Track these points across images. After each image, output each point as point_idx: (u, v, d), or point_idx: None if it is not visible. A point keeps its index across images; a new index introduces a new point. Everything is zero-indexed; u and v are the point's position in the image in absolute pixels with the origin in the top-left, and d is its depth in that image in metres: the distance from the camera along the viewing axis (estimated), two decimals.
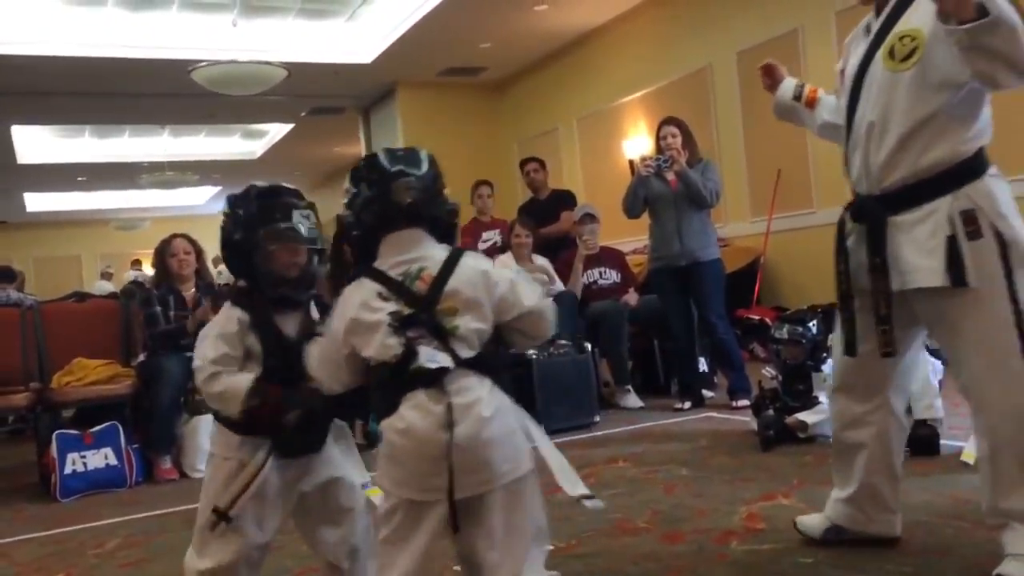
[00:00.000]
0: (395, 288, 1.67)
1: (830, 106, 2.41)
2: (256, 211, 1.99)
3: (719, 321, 4.92)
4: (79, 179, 15.34)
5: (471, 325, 1.66)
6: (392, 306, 1.66)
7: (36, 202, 17.25)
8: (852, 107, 2.15)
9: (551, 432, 4.56)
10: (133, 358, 4.79)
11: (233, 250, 2.00)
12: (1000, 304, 1.94)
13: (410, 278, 1.68)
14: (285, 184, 2.09)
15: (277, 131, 13.44)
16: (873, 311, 2.05)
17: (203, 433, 4.43)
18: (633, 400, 5.21)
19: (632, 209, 5.11)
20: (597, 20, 9.15)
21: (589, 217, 5.81)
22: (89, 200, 17.49)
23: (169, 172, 13.32)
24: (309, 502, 2.03)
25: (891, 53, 2.05)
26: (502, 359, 1.75)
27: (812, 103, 2.46)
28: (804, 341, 3.86)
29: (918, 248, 2.00)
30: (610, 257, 5.81)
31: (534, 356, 4.67)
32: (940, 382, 3.51)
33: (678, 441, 4.10)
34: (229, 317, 1.97)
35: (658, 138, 5.02)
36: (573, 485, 1.72)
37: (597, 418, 4.76)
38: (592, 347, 5.00)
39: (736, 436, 4.06)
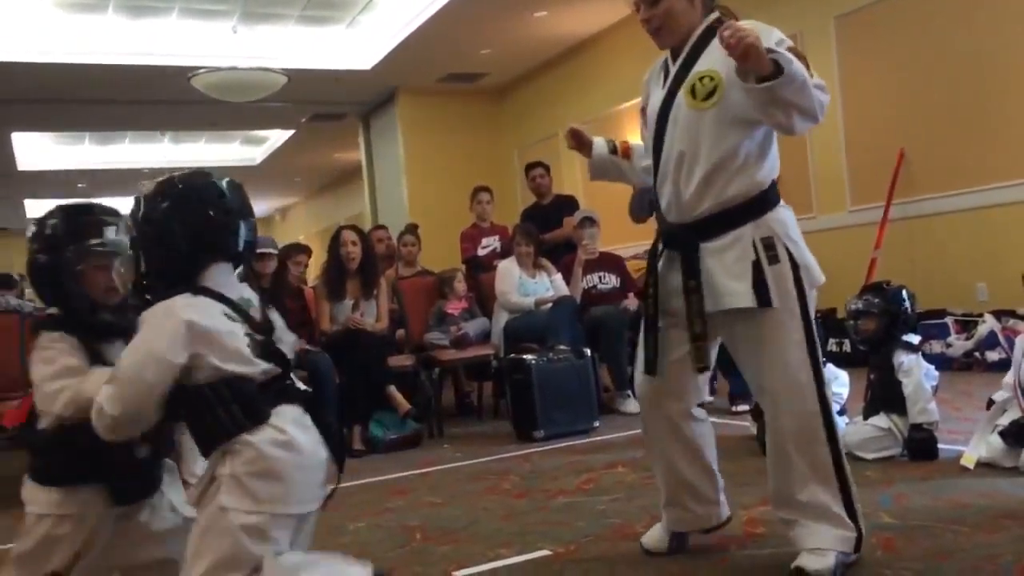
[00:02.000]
0: (239, 312, 1.70)
1: (640, 151, 2.58)
2: (63, 229, 1.85)
3: None
4: (79, 186, 15.36)
5: (288, 348, 1.79)
6: (242, 327, 1.68)
7: (37, 209, 17.26)
8: (659, 143, 2.31)
9: (551, 437, 4.59)
10: None
11: (41, 275, 1.85)
12: (794, 323, 2.16)
13: (247, 305, 1.72)
14: (100, 204, 1.95)
15: (277, 137, 13.47)
16: (688, 330, 2.22)
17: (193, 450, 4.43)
18: (633, 405, 5.19)
19: (638, 212, 5.13)
20: (596, 26, 9.16)
21: (589, 221, 5.81)
22: None
23: None
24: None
25: (693, 92, 2.21)
26: None
27: (627, 153, 2.64)
28: None
29: (728, 272, 2.18)
30: (610, 262, 5.81)
31: (533, 361, 4.67)
32: (934, 387, 3.50)
33: None
34: (59, 341, 1.81)
35: None
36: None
37: (597, 423, 4.75)
38: (592, 352, 4.99)
39: (735, 441, 4.05)
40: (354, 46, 9.41)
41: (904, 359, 3.46)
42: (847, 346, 5.73)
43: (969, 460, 3.13)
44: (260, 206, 20.09)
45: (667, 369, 2.36)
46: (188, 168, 1.83)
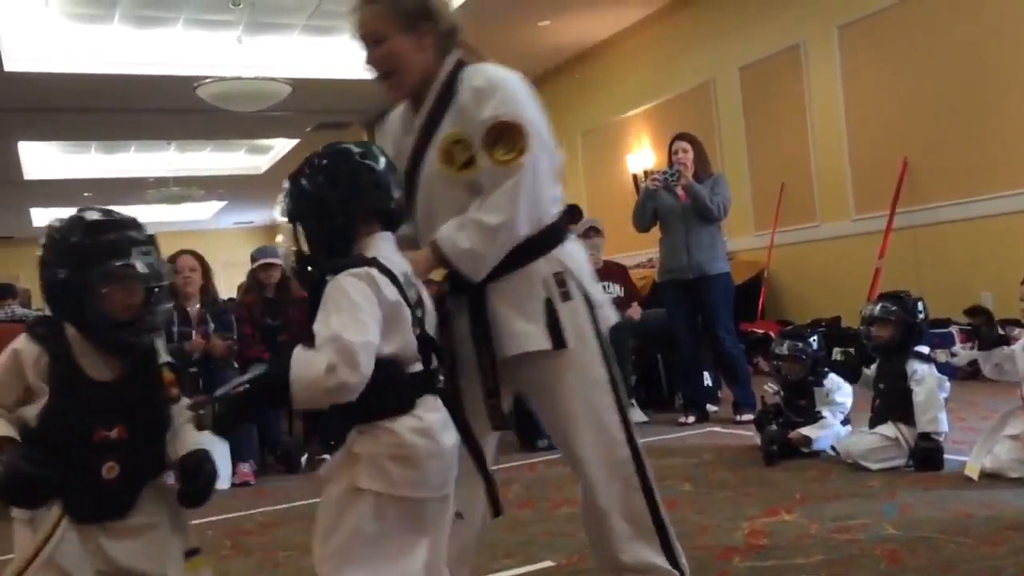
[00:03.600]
0: (401, 290, 1.63)
1: None
2: (88, 247, 1.73)
3: (727, 335, 4.92)
4: (85, 195, 15.39)
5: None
6: (405, 309, 1.63)
7: (43, 218, 17.32)
8: (412, 199, 2.01)
9: (555, 446, 4.57)
10: None
11: (58, 291, 1.73)
12: (595, 363, 1.96)
13: (407, 284, 1.66)
14: (121, 214, 1.79)
15: (282, 146, 13.51)
16: (481, 384, 1.95)
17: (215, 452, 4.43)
18: (636, 415, 5.18)
19: (641, 222, 5.15)
20: (600, 35, 9.19)
21: (593, 231, 5.81)
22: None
23: (175, 187, 13.39)
24: None
25: (449, 158, 1.96)
26: None
27: None
28: (804, 357, 3.85)
29: (519, 313, 1.94)
30: (613, 271, 5.81)
31: None
32: (945, 399, 3.49)
33: (681, 456, 4.09)
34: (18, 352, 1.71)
35: (670, 152, 5.07)
36: None
37: None
38: None
39: (739, 451, 4.05)
40: (359, 55, 9.41)
41: (918, 368, 3.45)
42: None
43: (972, 470, 3.12)
44: (264, 215, 20.16)
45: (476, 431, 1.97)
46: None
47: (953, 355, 5.60)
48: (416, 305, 1.67)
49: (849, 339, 4.54)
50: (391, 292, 1.59)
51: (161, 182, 13.60)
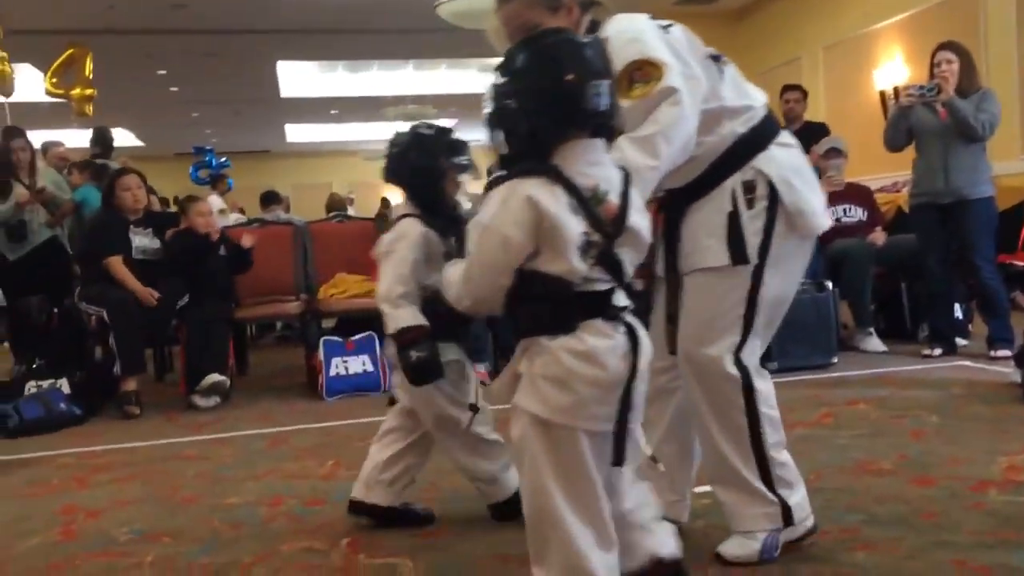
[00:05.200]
0: (584, 205, 1.52)
1: None
2: (444, 143, 2.36)
3: (985, 264, 4.54)
4: (332, 112, 16.52)
5: (631, 258, 1.60)
6: (581, 224, 1.52)
7: (295, 133, 18.80)
8: None
9: (785, 370, 4.49)
10: None
11: (416, 173, 2.36)
12: (744, 275, 1.96)
13: (595, 199, 1.54)
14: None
15: None
16: (665, 306, 2.08)
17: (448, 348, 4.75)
18: (875, 344, 4.96)
19: (893, 141, 4.80)
20: None
21: (835, 152, 5.51)
22: (340, 132, 18.81)
23: (411, 105, 14.03)
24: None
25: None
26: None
27: None
28: None
29: (705, 229, 1.98)
30: (857, 193, 5.50)
31: None
32: None
33: (926, 388, 3.89)
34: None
35: (932, 64, 4.64)
36: None
37: (835, 359, 4.60)
38: (832, 286, 4.80)
39: (994, 387, 3.79)
40: None
41: None
42: None
43: None
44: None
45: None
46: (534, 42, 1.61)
47: None
48: (609, 222, 1.54)
49: None
50: (557, 207, 1.49)
51: (399, 100, 14.30)
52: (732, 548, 2.03)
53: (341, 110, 16.31)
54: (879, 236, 5.25)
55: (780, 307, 2.06)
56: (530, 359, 1.57)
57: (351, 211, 13.51)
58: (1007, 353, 4.17)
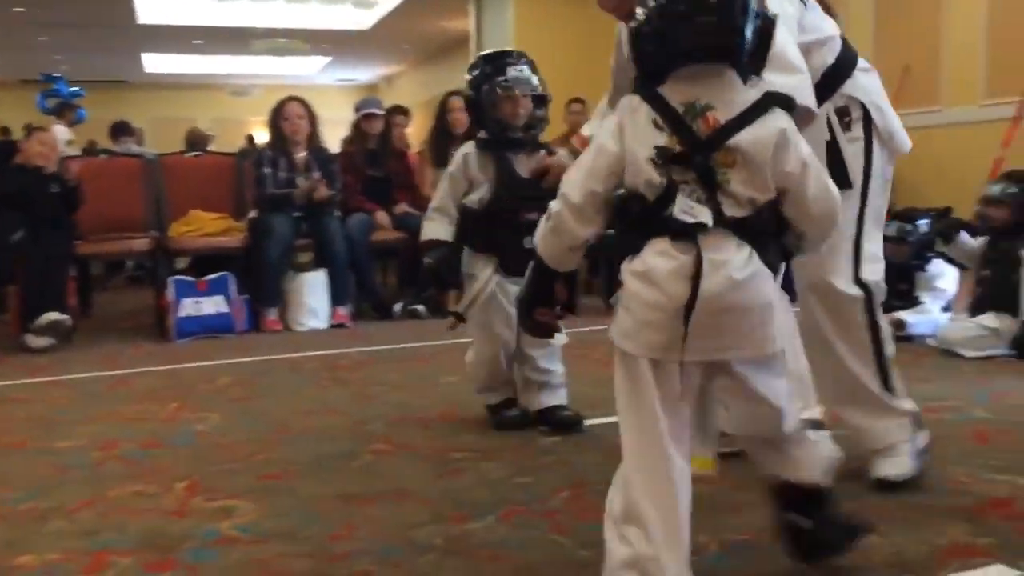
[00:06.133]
0: (671, 119, 1.46)
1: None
2: (480, 73, 2.58)
3: None
4: (195, 42, 15.64)
5: (743, 185, 1.45)
6: (661, 138, 1.46)
7: (154, 63, 17.73)
8: None
9: None
10: (244, 214, 4.99)
11: (473, 108, 2.65)
12: (855, 196, 2.02)
13: (692, 113, 1.46)
14: (507, 49, 2.66)
15: (389, 2, 13.33)
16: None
17: (308, 291, 4.65)
18: None
19: None
20: None
21: None
22: (204, 64, 17.87)
23: (281, 40, 13.46)
24: None
25: None
26: (774, 228, 1.50)
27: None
28: (911, 240, 3.73)
29: None
30: None
31: None
32: None
33: None
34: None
35: None
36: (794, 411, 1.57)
37: None
38: None
39: None
40: None
41: None
42: None
43: None
44: (366, 73, 20.13)
45: None
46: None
47: None
48: (705, 134, 1.45)
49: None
50: (636, 123, 1.48)
51: (269, 33, 13.69)
52: (885, 469, 2.03)
53: (206, 40, 15.46)
54: None
55: (880, 219, 2.14)
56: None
57: (212, 148, 12.94)
58: None
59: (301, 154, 4.85)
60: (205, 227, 4.78)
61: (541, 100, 2.64)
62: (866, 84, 2.07)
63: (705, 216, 1.43)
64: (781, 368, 1.52)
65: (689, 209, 1.43)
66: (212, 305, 4.46)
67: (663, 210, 1.44)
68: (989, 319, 3.37)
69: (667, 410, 1.45)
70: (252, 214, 4.86)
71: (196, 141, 9.00)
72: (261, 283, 4.64)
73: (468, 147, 2.62)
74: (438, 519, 1.96)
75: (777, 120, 1.47)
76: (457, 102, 5.26)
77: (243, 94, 17.91)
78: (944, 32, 6.40)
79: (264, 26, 13.82)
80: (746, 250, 1.43)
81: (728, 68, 1.48)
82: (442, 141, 5.21)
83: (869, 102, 2.05)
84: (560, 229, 1.56)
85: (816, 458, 1.60)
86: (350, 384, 3.33)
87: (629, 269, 1.48)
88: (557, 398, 2.67)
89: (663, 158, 1.45)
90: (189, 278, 4.55)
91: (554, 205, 1.57)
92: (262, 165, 4.77)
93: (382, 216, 4.97)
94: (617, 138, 1.51)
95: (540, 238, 1.60)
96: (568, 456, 2.38)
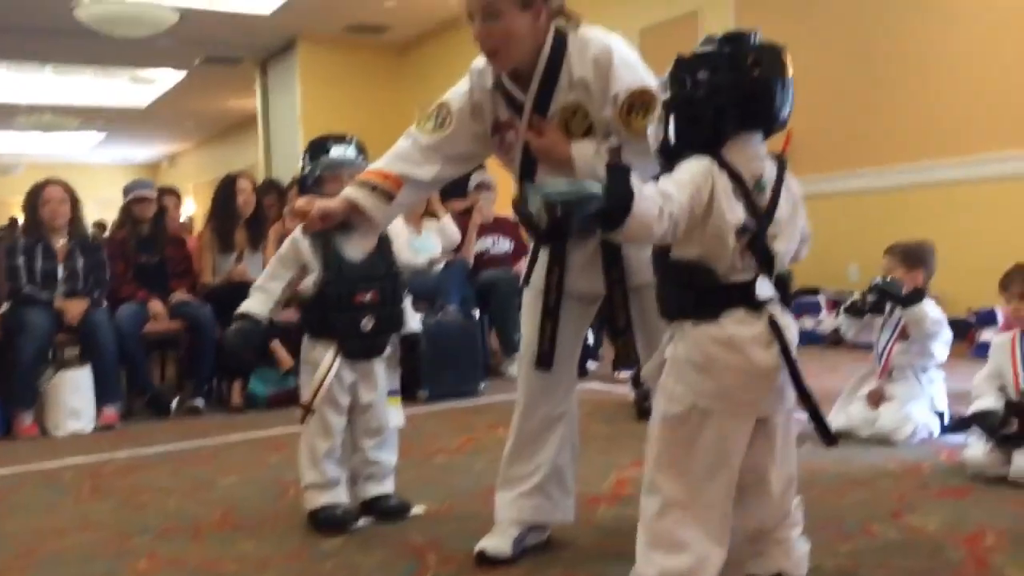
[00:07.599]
0: (743, 192, 1.61)
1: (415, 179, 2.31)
2: (308, 155, 2.60)
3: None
4: None
5: (784, 248, 1.67)
6: (741, 211, 1.60)
7: None
8: (530, 170, 2.12)
9: (436, 397, 4.58)
10: None
11: (302, 190, 2.67)
12: None
13: (758, 187, 1.64)
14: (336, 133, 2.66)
15: (169, 79, 12.85)
16: (609, 325, 2.10)
17: (70, 390, 4.24)
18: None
19: None
20: None
21: (484, 186, 5.78)
22: None
23: (47, 115, 12.58)
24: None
25: (566, 129, 2.01)
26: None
27: (399, 184, 2.27)
28: None
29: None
30: (504, 226, 5.80)
31: (421, 321, 4.63)
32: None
33: None
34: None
35: None
36: None
37: (483, 386, 4.77)
38: (481, 315, 4.99)
39: (615, 407, 4.15)
40: None
41: None
42: None
43: None
44: (147, 151, 19.23)
45: (558, 363, 2.10)
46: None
47: (819, 323, 5.89)
48: (764, 210, 1.63)
49: None
50: (722, 187, 1.59)
51: (35, 109, 12.76)
52: None
53: None
54: (523, 266, 5.57)
55: None
56: (676, 344, 1.64)
57: None
58: (627, 373, 4.60)
59: (61, 241, 4.49)
60: None
61: None
62: None
63: (771, 291, 1.62)
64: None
65: (767, 288, 1.61)
66: None
67: (739, 283, 1.60)
68: None
69: (734, 464, 1.65)
70: (3, 308, 4.41)
71: None
72: (13, 384, 4.18)
73: (298, 231, 2.56)
74: None
75: (795, 184, 1.70)
76: (245, 183, 5.10)
77: (2, 172, 16.52)
78: None
79: (30, 102, 12.88)
80: (783, 307, 1.65)
81: (758, 132, 1.68)
82: (227, 225, 5.01)
83: None
84: (665, 229, 1.54)
85: (802, 554, 1.81)
86: (114, 493, 3.03)
87: (709, 336, 1.59)
88: (383, 487, 2.58)
89: (743, 231, 1.59)
90: None
91: (675, 208, 1.54)
92: (14, 256, 4.36)
93: (156, 305, 4.65)
94: (703, 189, 1.58)
95: (647, 207, 1.51)
96: (351, 558, 2.27)
